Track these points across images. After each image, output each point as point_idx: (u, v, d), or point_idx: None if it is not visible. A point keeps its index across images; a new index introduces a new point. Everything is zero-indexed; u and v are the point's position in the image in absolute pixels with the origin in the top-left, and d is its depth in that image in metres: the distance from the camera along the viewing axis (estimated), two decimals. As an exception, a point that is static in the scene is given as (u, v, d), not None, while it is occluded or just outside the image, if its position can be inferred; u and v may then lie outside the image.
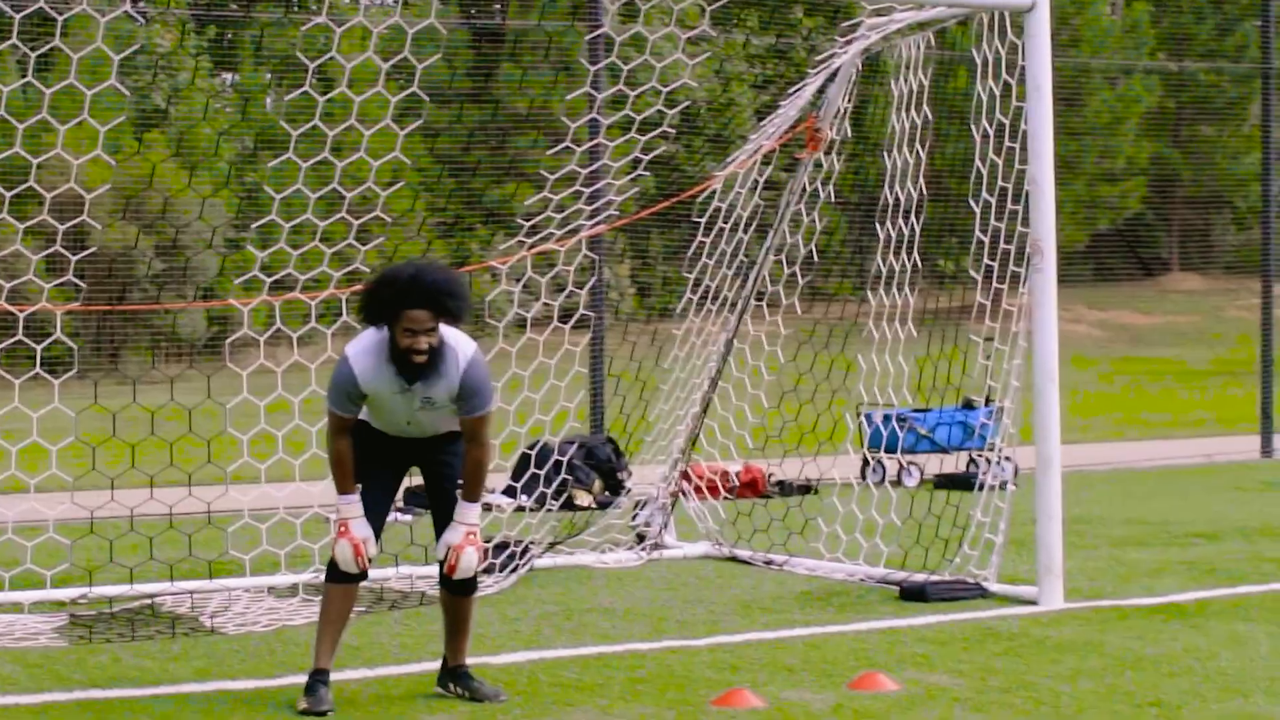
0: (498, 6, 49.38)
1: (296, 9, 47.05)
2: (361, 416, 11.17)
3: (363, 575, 11.16)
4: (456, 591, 11.19)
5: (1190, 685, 11.13)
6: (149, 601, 14.24)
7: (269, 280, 15.55)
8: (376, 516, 11.24)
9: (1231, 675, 11.41)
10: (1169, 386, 42.21)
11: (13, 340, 14.83)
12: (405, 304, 10.61)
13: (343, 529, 10.91)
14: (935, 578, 14.86)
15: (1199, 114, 61.17)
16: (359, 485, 11.14)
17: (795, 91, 16.85)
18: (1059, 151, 52.34)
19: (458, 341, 11.01)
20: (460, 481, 11.28)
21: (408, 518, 18.78)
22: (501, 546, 15.62)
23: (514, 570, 15.50)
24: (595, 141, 17.36)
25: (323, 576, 14.45)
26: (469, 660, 11.28)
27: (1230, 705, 10.57)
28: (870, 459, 21.48)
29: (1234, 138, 52.58)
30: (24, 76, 14.11)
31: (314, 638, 11.17)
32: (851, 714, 10.42)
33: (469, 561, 10.98)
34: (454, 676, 11.22)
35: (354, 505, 11.04)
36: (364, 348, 10.95)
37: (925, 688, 11.15)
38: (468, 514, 11.10)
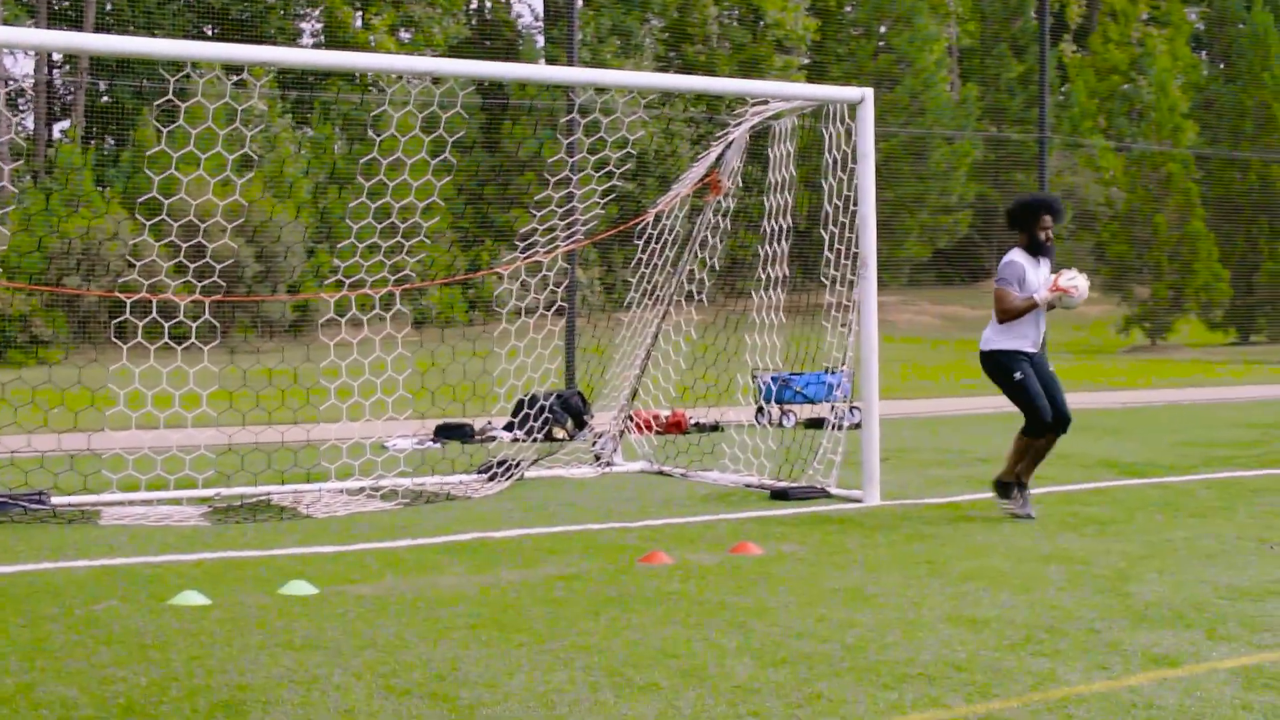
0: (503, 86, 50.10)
1: (355, 81, 47.79)
2: (1014, 345, 13.65)
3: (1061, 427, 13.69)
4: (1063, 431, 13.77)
5: (953, 551, 11.81)
6: (265, 497, 14.76)
7: (348, 281, 16.28)
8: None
9: (982, 545, 12.08)
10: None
11: (149, 319, 15.15)
12: (1043, 211, 13.66)
13: (1056, 290, 13.37)
14: (794, 484, 15.55)
15: (1012, 164, 61.97)
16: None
17: (704, 155, 17.36)
18: (911, 190, 53.08)
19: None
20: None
21: (437, 446, 19.85)
22: (502, 462, 16.26)
23: (510, 477, 16.08)
24: (568, 190, 18.10)
25: (379, 482, 15.46)
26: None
27: (975, 563, 11.24)
28: (762, 407, 22.39)
29: (1036, 182, 53.72)
30: (159, 143, 14.95)
31: (1023, 466, 13.83)
32: (731, 566, 11.12)
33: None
34: (1021, 486, 13.86)
35: (1041, 293, 13.49)
36: (1014, 253, 13.70)
37: (780, 551, 11.82)
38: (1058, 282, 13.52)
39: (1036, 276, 13.60)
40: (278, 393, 16.47)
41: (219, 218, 16.17)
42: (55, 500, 14.49)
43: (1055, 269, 13.72)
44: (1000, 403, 27.57)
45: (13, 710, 7.28)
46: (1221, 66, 67.85)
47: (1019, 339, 13.64)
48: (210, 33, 55.17)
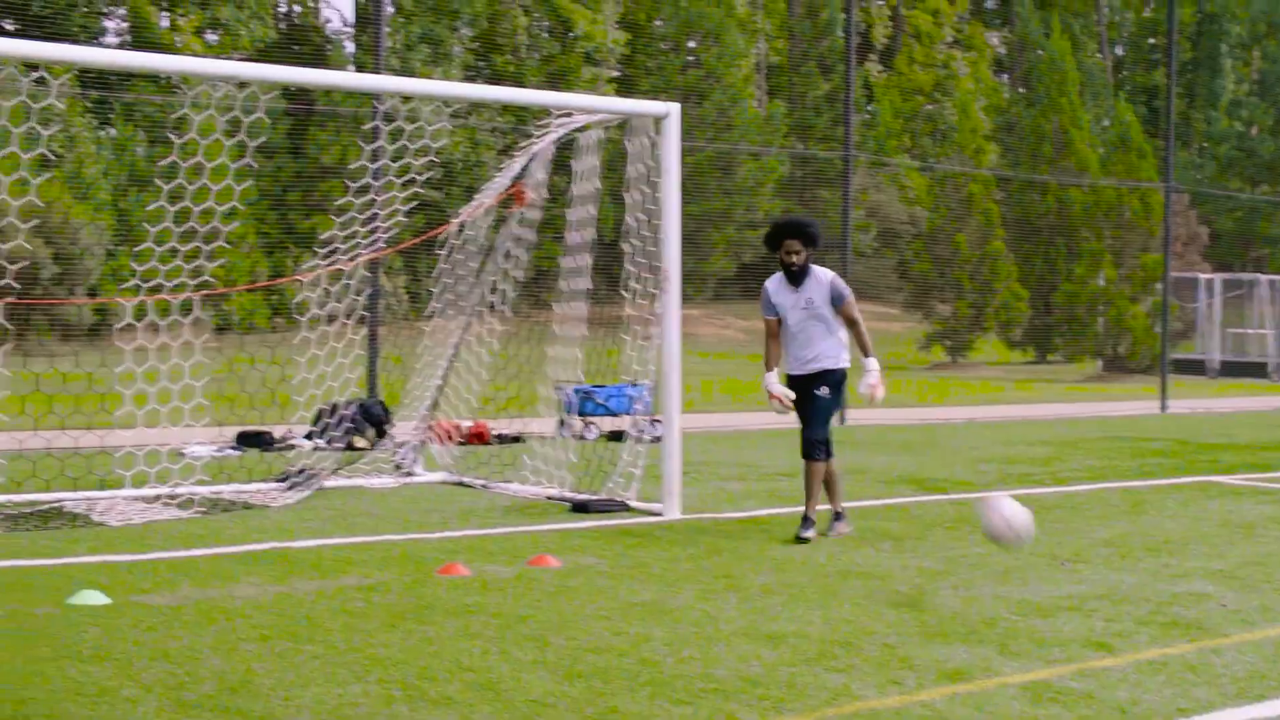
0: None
1: (160, 82, 47.20)
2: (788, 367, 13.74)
3: (823, 452, 13.72)
4: (811, 458, 13.73)
5: (751, 565, 11.91)
6: (57, 504, 14.55)
7: (145, 285, 16.03)
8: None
9: (780, 560, 12.18)
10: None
11: None
12: (784, 235, 13.58)
13: (769, 395, 13.48)
14: (595, 496, 15.60)
15: (818, 181, 62.58)
16: (775, 370, 13.62)
17: (509, 166, 17.40)
18: (718, 205, 53.19)
19: (821, 269, 13.72)
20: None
21: (237, 453, 19.65)
22: (302, 471, 16.23)
23: (310, 486, 16.00)
24: (370, 197, 17.96)
25: (176, 489, 15.30)
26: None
27: (773, 577, 11.35)
28: (564, 420, 22.41)
29: (841, 198, 54.17)
30: None
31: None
32: (529, 579, 11.14)
33: (880, 394, 13.48)
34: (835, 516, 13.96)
35: (770, 377, 13.53)
36: (771, 278, 13.79)
37: (578, 565, 11.84)
38: (874, 365, 13.59)
39: (788, 300, 13.69)
40: (71, 397, 16.21)
41: (13, 218, 15.86)
42: None
43: (836, 294, 13.61)
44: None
45: None
46: (1022, 90, 69.01)
47: (787, 359, 13.88)
48: (9, 27, 54.19)
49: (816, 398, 13.68)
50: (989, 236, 53.32)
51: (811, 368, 13.73)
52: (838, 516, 13.94)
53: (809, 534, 13.44)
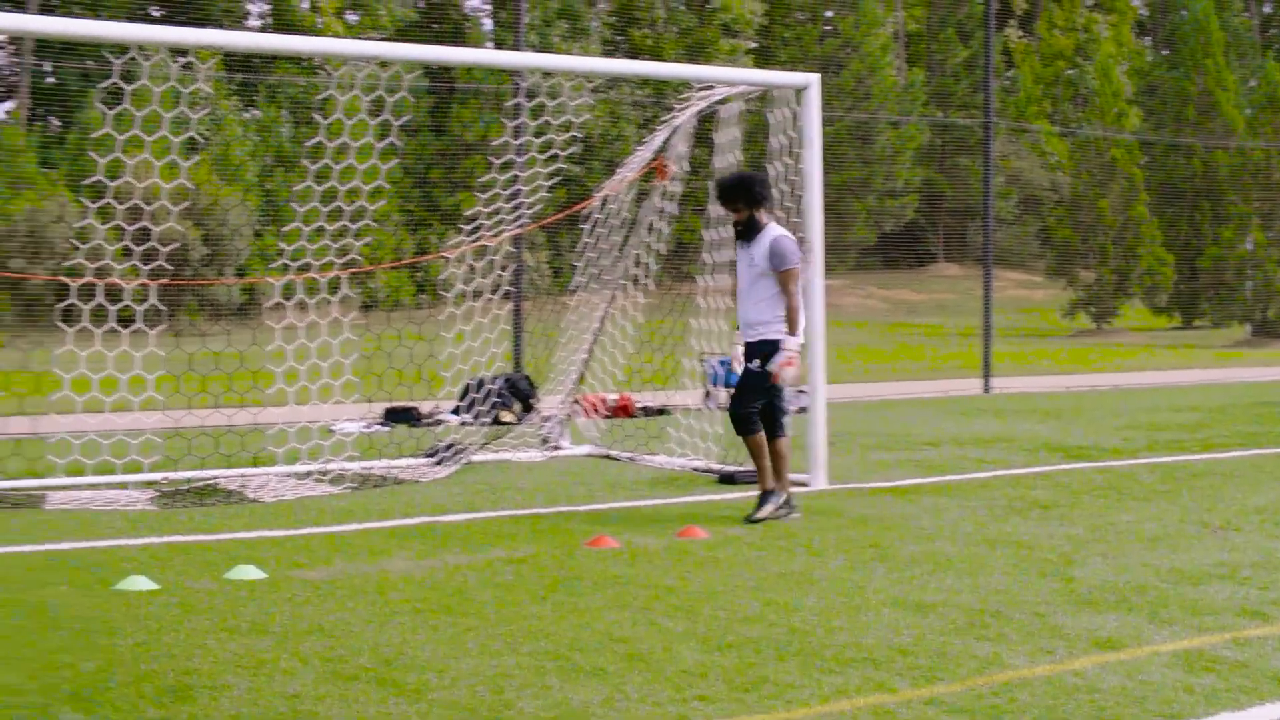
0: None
1: (302, 64, 47.63)
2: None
3: (750, 426, 12.98)
4: (740, 433, 13.09)
5: (899, 535, 11.87)
6: (212, 481, 14.73)
7: (294, 264, 16.24)
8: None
9: (928, 529, 12.16)
10: (929, 343, 43.09)
11: (94, 302, 14.82)
12: (716, 199, 13.52)
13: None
14: (741, 468, 15.53)
15: (958, 149, 62.24)
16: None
17: (650, 139, 17.39)
18: (855, 175, 52.95)
19: (774, 228, 13.15)
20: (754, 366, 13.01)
21: (385, 429, 19.83)
22: (449, 446, 16.29)
23: (458, 461, 16.08)
24: (513, 173, 18.05)
25: (327, 466, 15.43)
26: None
27: (920, 547, 11.30)
28: (709, 391, 22.42)
29: (981, 167, 53.87)
30: (104, 125, 14.79)
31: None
32: (677, 550, 11.17)
33: (789, 374, 12.93)
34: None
35: (736, 335, 13.35)
36: None
37: (726, 536, 11.85)
38: (790, 344, 12.95)
39: (740, 257, 13.21)
40: (224, 376, 16.41)
41: (165, 200, 16.10)
42: (0, 485, 14.42)
43: (774, 255, 12.94)
44: (946, 386, 27.77)
45: (-42, 696, 7.26)
46: (1165, 53, 68.14)
47: (739, 321, 13.35)
48: (156, 14, 54.88)
49: (747, 371, 13.12)
50: (1132, 201, 52.75)
51: (752, 336, 13.12)
52: (766, 495, 13.08)
53: (762, 514, 12.90)
